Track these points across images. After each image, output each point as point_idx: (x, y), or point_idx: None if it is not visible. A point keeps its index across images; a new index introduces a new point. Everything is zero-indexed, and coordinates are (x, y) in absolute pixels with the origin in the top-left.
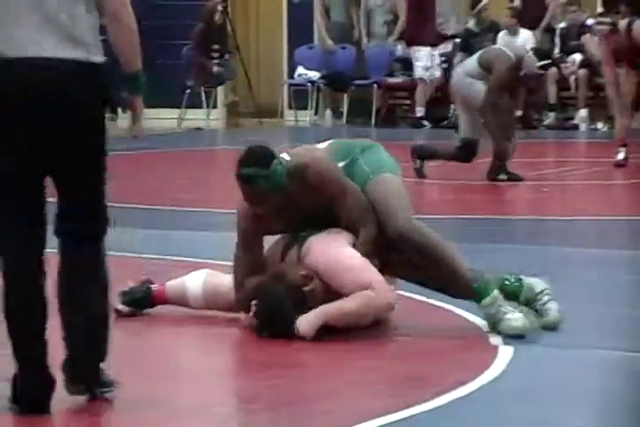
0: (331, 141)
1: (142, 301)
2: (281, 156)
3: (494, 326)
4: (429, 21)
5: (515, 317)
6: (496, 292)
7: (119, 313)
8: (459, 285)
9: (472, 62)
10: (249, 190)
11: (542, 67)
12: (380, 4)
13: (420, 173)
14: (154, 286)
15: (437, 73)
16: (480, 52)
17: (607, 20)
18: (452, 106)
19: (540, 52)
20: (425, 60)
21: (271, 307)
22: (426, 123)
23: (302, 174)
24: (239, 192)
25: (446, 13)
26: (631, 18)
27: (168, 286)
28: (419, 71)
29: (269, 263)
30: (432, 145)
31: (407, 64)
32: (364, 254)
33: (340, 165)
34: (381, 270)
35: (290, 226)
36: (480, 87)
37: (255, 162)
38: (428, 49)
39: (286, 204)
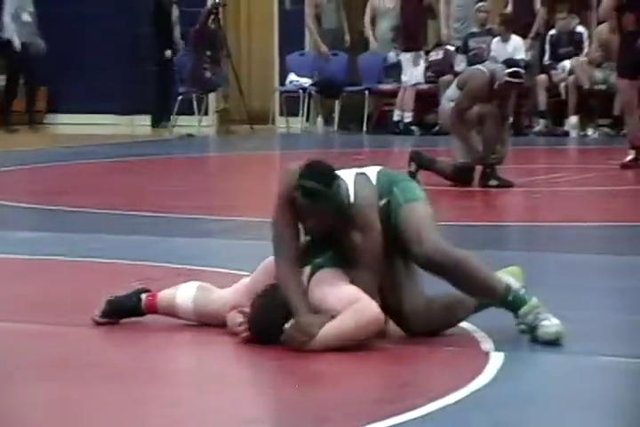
0: (379, 170)
1: (129, 310)
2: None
3: (532, 334)
4: (417, 27)
5: (552, 323)
6: (535, 300)
7: (96, 323)
8: (488, 293)
9: (452, 88)
10: (305, 203)
11: (512, 75)
12: (391, 8)
13: (412, 178)
14: (144, 295)
15: (417, 79)
16: (457, 77)
17: None
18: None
19: (510, 62)
20: (407, 66)
21: (265, 320)
22: (415, 129)
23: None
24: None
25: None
26: None
27: (159, 296)
28: (402, 77)
29: None
30: (432, 156)
31: (400, 70)
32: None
33: (381, 203)
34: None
35: (314, 233)
36: None
37: (317, 178)
38: (410, 55)
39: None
